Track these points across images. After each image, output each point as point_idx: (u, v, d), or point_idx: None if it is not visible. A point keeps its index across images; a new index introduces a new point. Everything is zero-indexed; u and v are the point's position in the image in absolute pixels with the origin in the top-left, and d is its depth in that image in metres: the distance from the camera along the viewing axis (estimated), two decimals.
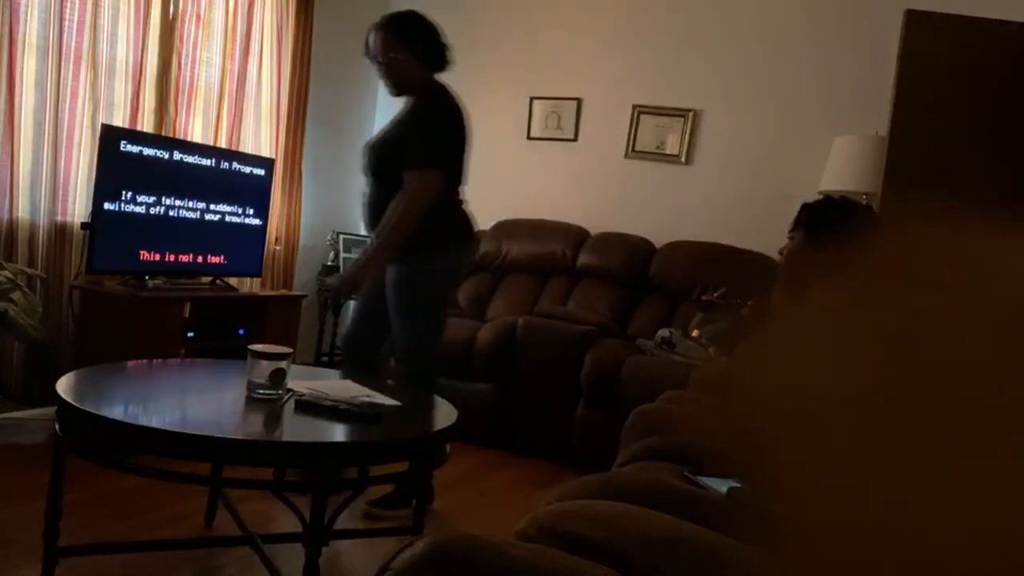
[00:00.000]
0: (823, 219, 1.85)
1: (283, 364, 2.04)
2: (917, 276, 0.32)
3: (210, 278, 3.84)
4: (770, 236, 3.86)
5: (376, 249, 2.69)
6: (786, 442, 0.33)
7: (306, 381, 2.22)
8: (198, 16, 3.98)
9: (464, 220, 2.83)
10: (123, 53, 3.65)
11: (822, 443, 0.32)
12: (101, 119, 3.49)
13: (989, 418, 0.28)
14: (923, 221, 0.33)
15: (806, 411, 0.33)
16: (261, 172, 3.96)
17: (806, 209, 1.90)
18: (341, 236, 4.75)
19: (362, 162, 2.83)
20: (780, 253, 1.98)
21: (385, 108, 5.25)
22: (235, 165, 3.83)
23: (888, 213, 2.65)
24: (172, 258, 3.59)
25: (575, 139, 4.75)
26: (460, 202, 2.83)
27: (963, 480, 0.28)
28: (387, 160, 2.72)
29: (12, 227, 3.27)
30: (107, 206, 3.29)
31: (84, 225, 3.32)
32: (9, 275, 3.01)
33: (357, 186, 5.20)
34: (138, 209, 3.42)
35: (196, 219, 3.67)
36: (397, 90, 2.80)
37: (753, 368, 0.37)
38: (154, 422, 1.85)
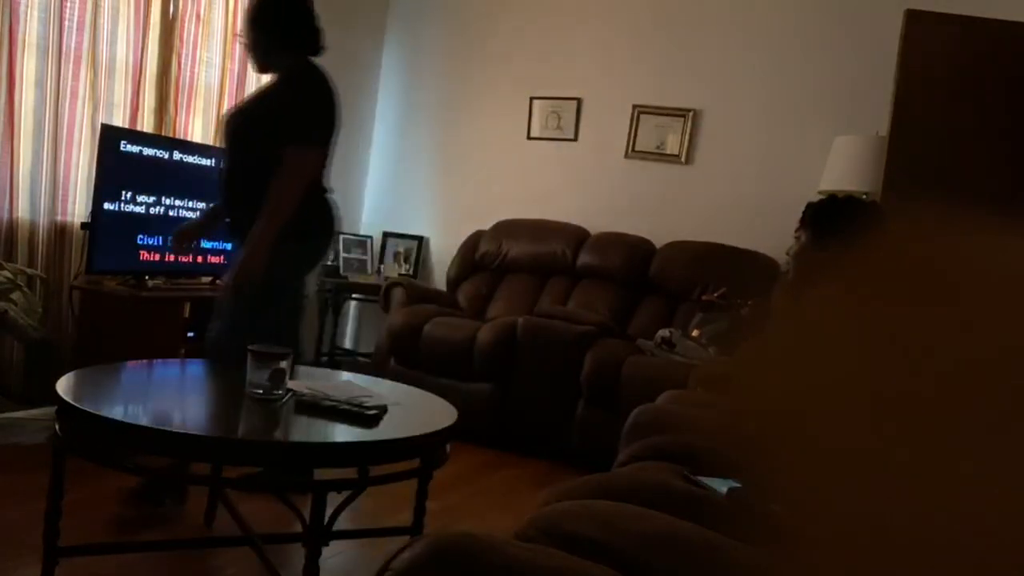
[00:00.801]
0: (827, 218, 1.86)
1: (283, 364, 2.04)
2: (921, 275, 0.32)
3: (210, 278, 3.84)
4: (770, 236, 3.86)
5: (263, 231, 2.54)
6: (789, 442, 0.33)
7: (306, 381, 2.22)
8: (198, 16, 3.98)
9: (329, 210, 2.76)
10: (123, 53, 3.65)
11: (826, 442, 0.32)
12: (101, 119, 3.49)
13: (997, 415, 0.28)
14: (926, 220, 0.33)
15: (810, 410, 0.33)
16: None
17: (810, 208, 1.91)
18: (341, 236, 4.74)
19: (221, 132, 2.75)
20: (787, 254, 1.98)
21: (386, 108, 5.26)
22: None
23: (891, 213, 2.65)
24: (172, 258, 3.59)
25: (575, 139, 4.74)
26: (326, 190, 2.76)
27: (974, 477, 0.28)
28: (248, 133, 2.65)
29: (12, 227, 3.27)
30: (107, 206, 3.29)
31: (84, 225, 3.31)
32: (9, 275, 3.01)
33: (357, 186, 5.22)
34: (138, 209, 3.41)
35: None
36: (259, 68, 2.77)
37: (756, 367, 0.37)
38: (154, 422, 1.85)
